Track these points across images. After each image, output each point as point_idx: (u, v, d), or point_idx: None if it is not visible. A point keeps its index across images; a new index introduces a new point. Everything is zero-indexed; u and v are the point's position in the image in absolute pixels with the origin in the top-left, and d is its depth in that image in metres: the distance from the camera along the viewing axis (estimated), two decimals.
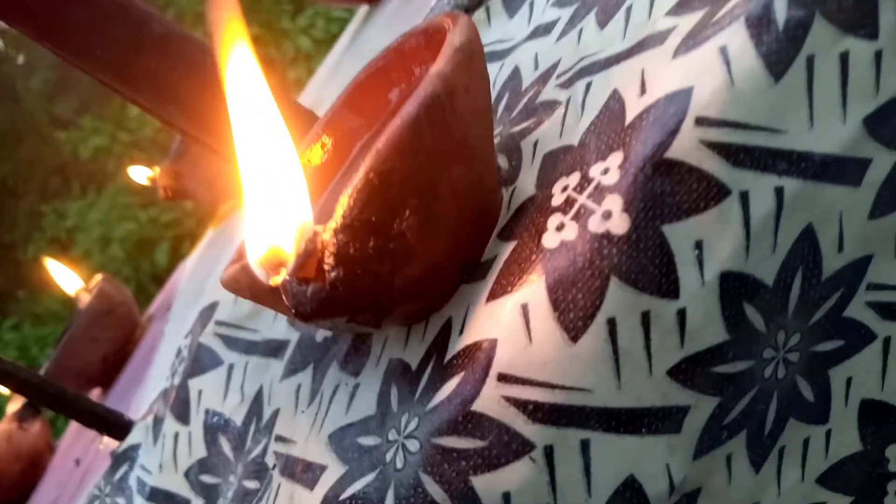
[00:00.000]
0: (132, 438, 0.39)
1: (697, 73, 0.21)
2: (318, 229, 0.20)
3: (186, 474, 0.34)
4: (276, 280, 0.20)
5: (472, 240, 0.24)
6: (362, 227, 0.21)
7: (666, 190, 0.21)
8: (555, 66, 0.29)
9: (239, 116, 0.22)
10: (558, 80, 0.27)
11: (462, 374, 0.22)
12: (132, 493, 0.37)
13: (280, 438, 0.29)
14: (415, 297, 0.24)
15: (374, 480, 0.23)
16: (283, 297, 0.21)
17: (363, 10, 0.68)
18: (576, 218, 0.22)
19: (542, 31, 0.31)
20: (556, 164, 0.24)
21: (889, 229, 0.22)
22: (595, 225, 0.21)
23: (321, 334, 0.30)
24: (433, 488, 0.21)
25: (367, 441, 0.24)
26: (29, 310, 3.61)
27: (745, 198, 0.21)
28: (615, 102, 0.23)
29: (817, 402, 0.24)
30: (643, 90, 0.22)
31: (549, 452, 0.21)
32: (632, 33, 0.25)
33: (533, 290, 0.21)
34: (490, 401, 0.21)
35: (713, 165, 0.21)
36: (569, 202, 0.22)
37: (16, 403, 0.68)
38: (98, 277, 0.69)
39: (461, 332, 0.23)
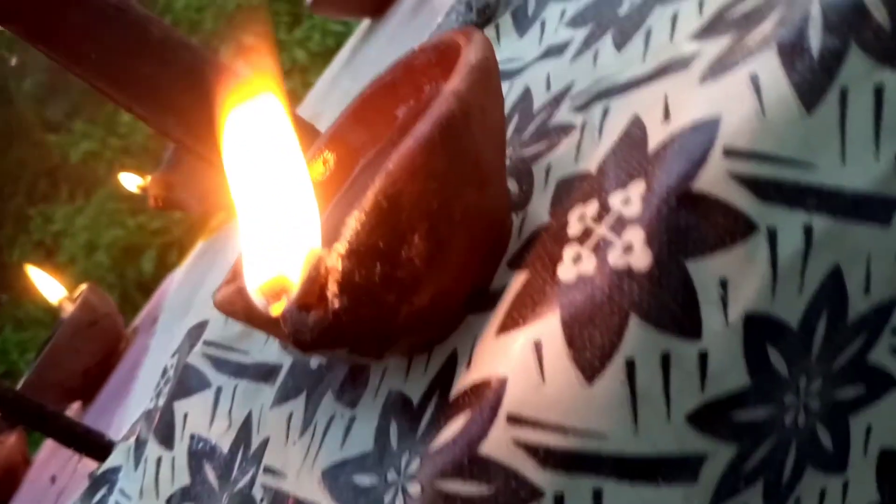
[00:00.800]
0: (112, 460, 0.37)
1: (726, 101, 0.20)
2: (322, 254, 0.19)
3: (168, 501, 0.32)
4: (277, 309, 0.19)
5: (480, 267, 0.23)
6: (369, 253, 0.19)
7: (691, 224, 0.20)
8: (568, 87, 0.28)
9: (247, 136, 0.20)
10: (573, 103, 0.26)
11: (469, 412, 0.20)
12: None
13: (269, 470, 0.27)
14: (420, 327, 0.22)
15: None
16: (282, 325, 0.20)
17: (364, 24, 0.67)
18: (594, 250, 0.20)
19: (555, 51, 0.30)
20: (571, 190, 0.23)
21: None
22: (615, 258, 0.20)
23: (316, 360, 0.29)
24: None
25: (364, 480, 0.23)
26: (11, 314, 3.57)
27: (772, 235, 0.20)
28: (636, 128, 0.22)
29: (836, 450, 0.23)
30: (667, 117, 0.21)
31: (559, 501, 0.19)
32: (652, 56, 0.24)
33: (547, 325, 0.20)
34: (498, 443, 0.20)
35: (741, 199, 0.20)
36: (586, 232, 0.21)
37: None
38: (82, 287, 0.67)
39: (468, 366, 0.22)
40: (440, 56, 0.25)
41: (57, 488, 0.49)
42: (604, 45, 0.27)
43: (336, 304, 0.19)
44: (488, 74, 0.22)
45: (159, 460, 0.33)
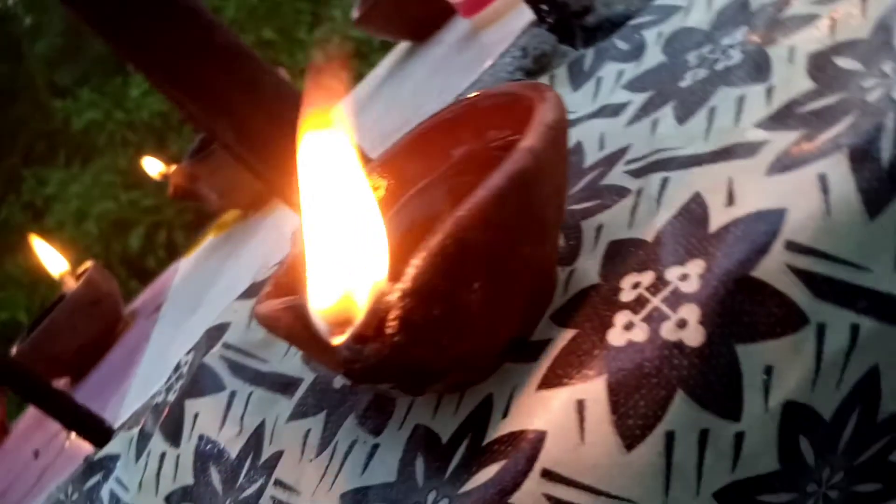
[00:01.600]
0: (111, 448, 0.37)
1: (792, 195, 0.21)
2: (385, 289, 0.20)
3: (167, 499, 0.32)
4: (339, 339, 0.19)
5: (525, 317, 0.23)
6: (430, 294, 0.20)
7: (745, 309, 0.20)
8: (623, 150, 0.28)
9: (321, 162, 0.21)
10: (628, 167, 0.27)
11: (503, 462, 0.21)
12: None
13: (281, 484, 0.28)
14: (461, 369, 0.23)
15: None
16: (336, 353, 0.20)
17: (402, 45, 0.68)
18: (647, 320, 0.21)
19: (611, 111, 0.31)
20: (625, 255, 0.23)
21: None
22: (667, 332, 0.20)
23: (339, 381, 0.29)
24: None
25: None
26: None
27: (821, 330, 0.20)
28: (697, 206, 0.23)
29: None
30: (731, 201, 0.22)
31: None
32: (716, 137, 0.25)
33: (592, 387, 0.20)
34: (530, 496, 0.20)
35: (796, 293, 0.20)
36: (640, 301, 0.21)
37: None
38: (87, 264, 0.67)
39: (504, 415, 0.22)
40: (508, 105, 0.26)
41: (40, 464, 0.49)
42: (664, 115, 0.28)
43: (393, 340, 0.20)
44: (561, 135, 0.22)
45: (163, 456, 0.33)
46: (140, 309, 0.67)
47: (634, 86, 0.31)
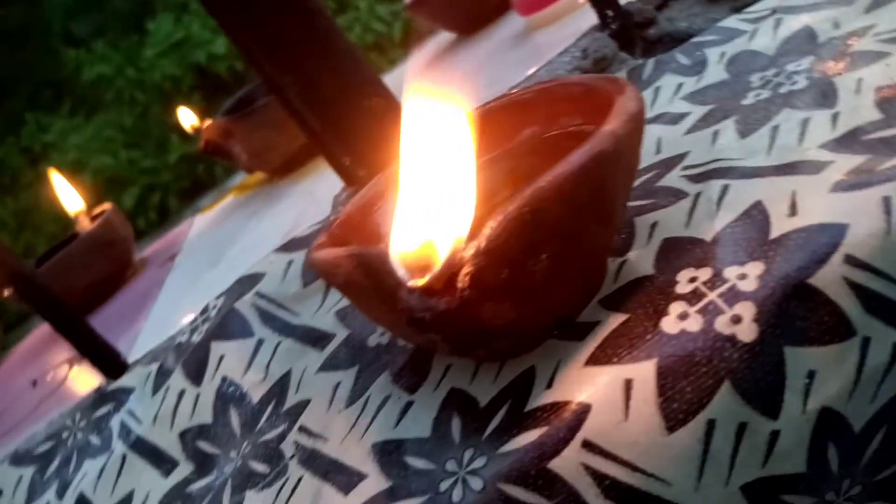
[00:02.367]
0: (126, 381, 0.37)
1: (855, 213, 0.22)
2: (461, 246, 0.20)
3: (182, 435, 0.33)
4: (419, 282, 0.20)
5: (576, 297, 0.24)
6: (502, 257, 0.21)
7: (798, 313, 0.21)
8: (681, 156, 0.29)
9: (430, 115, 0.21)
10: (686, 172, 0.28)
11: (545, 428, 0.21)
12: (111, 436, 0.36)
13: (306, 430, 0.28)
14: (510, 337, 0.23)
15: None
16: (402, 299, 0.21)
17: (444, 37, 0.68)
18: (702, 312, 0.22)
19: (669, 119, 0.32)
20: (680, 252, 0.24)
21: None
22: (721, 325, 0.21)
23: (374, 339, 0.30)
24: None
25: (418, 463, 0.23)
26: None
27: (866, 344, 0.21)
28: (758, 213, 0.24)
29: None
30: (793, 212, 0.23)
31: None
32: (779, 153, 0.26)
33: (642, 368, 0.21)
34: (569, 463, 0.21)
35: (848, 305, 0.21)
36: (696, 294, 0.22)
37: None
38: (106, 206, 0.67)
39: (549, 386, 0.23)
40: (582, 95, 0.27)
41: (39, 393, 0.49)
42: (725, 128, 0.29)
43: (462, 295, 0.20)
44: (640, 126, 0.23)
45: (182, 393, 0.34)
46: (151, 257, 0.67)
47: (695, 98, 0.32)
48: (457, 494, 0.22)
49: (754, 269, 0.22)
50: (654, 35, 0.38)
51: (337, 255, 0.24)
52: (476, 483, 0.21)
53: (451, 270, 0.20)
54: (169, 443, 0.33)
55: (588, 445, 0.21)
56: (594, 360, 0.22)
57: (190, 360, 0.34)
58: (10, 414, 0.48)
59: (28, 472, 0.37)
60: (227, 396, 0.32)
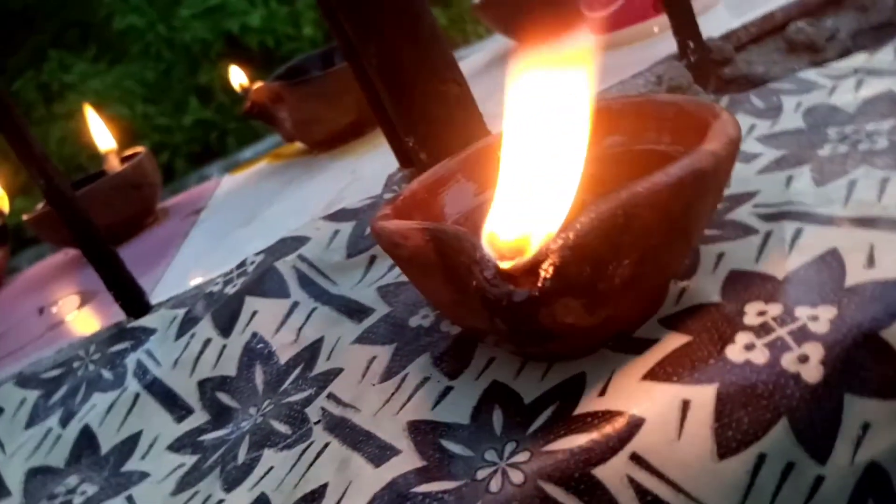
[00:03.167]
0: (149, 321, 0.37)
1: None
2: (551, 238, 0.20)
3: (202, 384, 0.32)
4: (508, 265, 0.20)
5: (640, 312, 0.24)
6: (588, 254, 0.20)
7: (865, 363, 0.21)
8: (752, 194, 0.29)
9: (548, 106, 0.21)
10: (756, 210, 0.28)
11: (594, 434, 0.21)
12: (125, 373, 0.35)
13: (335, 398, 0.28)
14: (568, 338, 0.23)
15: (456, 489, 0.22)
16: (480, 279, 0.21)
17: (500, 42, 0.69)
18: (769, 346, 0.22)
19: (740, 157, 0.32)
20: (748, 284, 0.24)
21: None
22: (788, 362, 0.21)
23: (415, 321, 0.30)
24: None
25: (455, 448, 0.23)
26: None
27: None
28: (833, 260, 0.24)
29: None
30: (870, 264, 0.23)
31: None
32: (856, 206, 0.26)
33: (701, 391, 0.21)
34: (614, 473, 0.21)
35: None
36: (765, 328, 0.22)
37: None
38: (140, 149, 0.67)
39: (602, 393, 0.22)
40: (673, 115, 0.26)
41: (46, 321, 0.49)
42: (800, 174, 0.29)
43: (543, 285, 0.20)
44: (736, 151, 0.23)
45: (208, 342, 0.33)
46: (173, 209, 0.67)
47: (769, 141, 0.32)
48: (495, 485, 0.21)
49: (826, 312, 0.22)
50: (729, 74, 0.38)
51: (409, 227, 0.24)
52: (517, 476, 0.21)
53: (536, 259, 0.20)
54: (187, 389, 0.33)
55: (636, 459, 0.21)
56: (652, 376, 0.22)
57: (221, 310, 0.34)
58: (13, 337, 0.48)
59: (33, 394, 0.37)
60: (255, 353, 0.32)
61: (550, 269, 0.20)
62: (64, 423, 0.35)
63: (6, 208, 0.68)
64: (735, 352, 0.22)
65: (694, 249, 0.27)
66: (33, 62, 3.68)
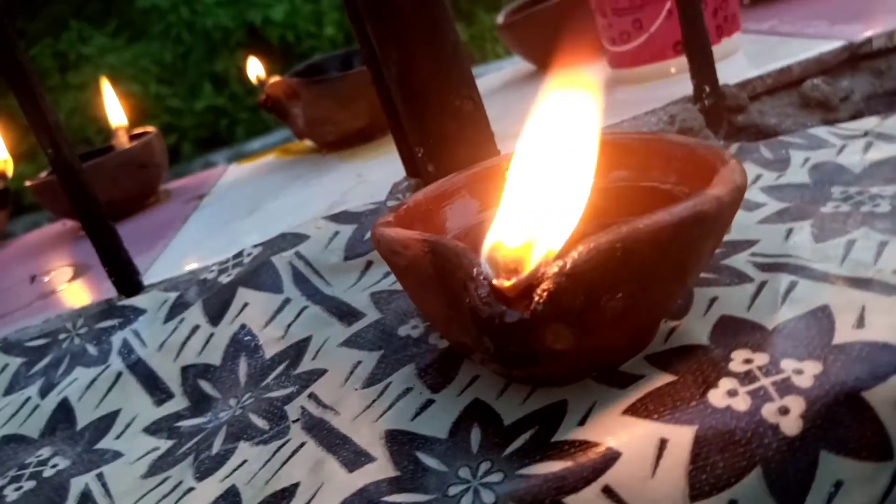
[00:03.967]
0: (139, 301, 0.37)
1: None
2: (548, 260, 0.20)
3: (185, 369, 0.32)
4: (504, 283, 0.20)
5: (628, 346, 0.24)
6: (583, 284, 0.21)
7: (844, 422, 0.21)
8: (751, 242, 0.29)
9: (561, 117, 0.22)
10: (754, 259, 0.28)
11: (570, 463, 0.21)
12: (109, 350, 0.35)
13: (316, 399, 0.28)
14: (554, 363, 0.23)
15: (426, 503, 0.22)
16: (473, 296, 0.21)
17: (525, 66, 0.69)
18: (751, 394, 0.22)
19: (743, 205, 0.32)
20: (738, 331, 0.24)
21: None
22: (768, 412, 0.21)
23: (405, 330, 0.30)
24: None
25: (429, 462, 0.23)
26: None
27: None
28: (824, 317, 0.24)
29: None
30: (860, 324, 0.23)
31: None
32: (852, 266, 0.26)
33: (680, 431, 0.21)
34: (585, 503, 0.21)
35: (894, 428, 0.21)
36: (749, 376, 0.22)
37: None
38: (151, 129, 0.67)
39: (581, 423, 0.22)
40: (685, 155, 0.27)
41: (37, 289, 0.48)
42: (801, 229, 0.29)
43: (535, 309, 0.20)
44: (740, 199, 0.23)
45: (196, 328, 0.33)
46: (176, 191, 0.67)
47: (773, 193, 0.33)
48: (465, 502, 0.21)
49: (812, 367, 0.22)
50: (741, 122, 0.38)
51: (409, 237, 0.24)
52: (488, 497, 0.21)
53: (530, 282, 0.20)
54: (169, 374, 0.33)
55: (608, 492, 0.21)
56: (633, 411, 0.22)
57: (213, 298, 0.34)
58: (1, 303, 0.48)
59: (15, 361, 0.37)
60: (242, 344, 0.32)
61: (544, 294, 0.20)
62: (43, 393, 0.35)
63: (10, 172, 0.68)
64: (717, 396, 0.22)
65: (688, 291, 0.27)
66: (52, 30, 3.69)
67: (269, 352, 0.32)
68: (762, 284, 0.26)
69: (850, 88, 0.39)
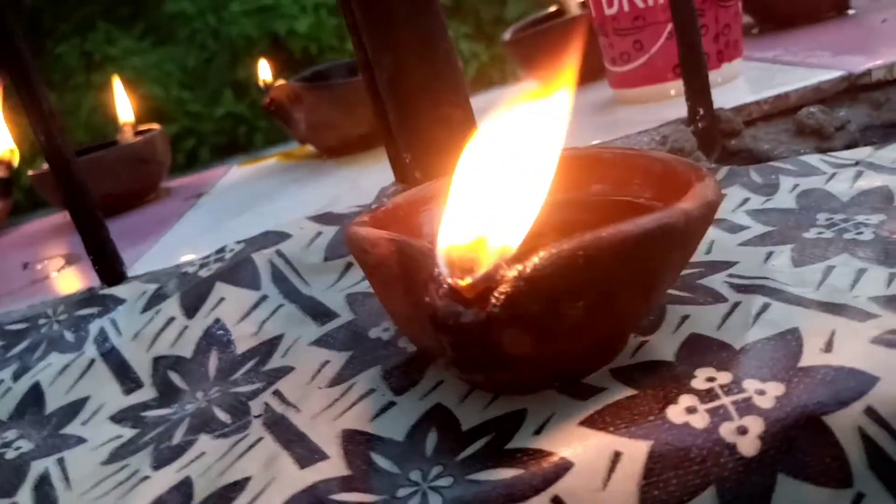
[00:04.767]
0: (119, 291, 0.37)
1: (889, 369, 0.21)
2: (507, 261, 0.20)
3: (156, 360, 0.32)
4: (462, 282, 0.20)
5: (591, 358, 0.24)
6: (542, 290, 0.20)
7: (804, 446, 0.21)
8: (730, 264, 0.29)
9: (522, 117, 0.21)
10: (731, 280, 0.28)
11: (521, 471, 0.21)
12: (86, 337, 0.35)
13: (280, 395, 0.28)
14: (514, 371, 0.23)
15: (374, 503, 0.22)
16: (431, 296, 0.21)
17: (525, 85, 0.69)
18: (711, 412, 0.21)
19: (727, 227, 0.32)
20: (705, 350, 0.24)
21: None
22: (726, 432, 0.21)
23: (376, 332, 0.30)
24: None
25: (382, 463, 0.23)
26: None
27: (858, 499, 0.21)
28: (792, 339, 0.23)
29: None
30: (828, 348, 0.23)
31: None
32: (827, 291, 0.26)
33: (635, 445, 0.21)
34: None
35: (855, 455, 0.21)
36: (710, 394, 0.22)
37: None
38: (155, 126, 0.68)
39: (537, 432, 0.22)
40: (660, 171, 0.27)
41: (28, 276, 0.49)
42: (781, 252, 0.29)
43: (494, 311, 0.20)
44: (711, 215, 0.23)
45: (171, 320, 0.33)
46: (176, 189, 0.67)
47: (758, 216, 0.32)
48: None
49: (774, 388, 0.22)
50: (734, 146, 0.38)
51: (378, 236, 0.24)
52: (435, 500, 0.21)
53: (488, 284, 0.20)
54: (140, 363, 0.33)
55: (558, 502, 0.20)
56: (590, 423, 0.22)
57: (190, 291, 0.34)
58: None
59: None
60: (214, 338, 0.32)
61: (501, 297, 0.20)
62: (17, 376, 0.35)
63: (15, 162, 0.68)
64: (676, 412, 0.22)
65: (660, 307, 0.27)
66: (80, 30, 3.74)
67: (241, 347, 0.32)
68: (735, 305, 0.26)
69: (847, 118, 0.38)
